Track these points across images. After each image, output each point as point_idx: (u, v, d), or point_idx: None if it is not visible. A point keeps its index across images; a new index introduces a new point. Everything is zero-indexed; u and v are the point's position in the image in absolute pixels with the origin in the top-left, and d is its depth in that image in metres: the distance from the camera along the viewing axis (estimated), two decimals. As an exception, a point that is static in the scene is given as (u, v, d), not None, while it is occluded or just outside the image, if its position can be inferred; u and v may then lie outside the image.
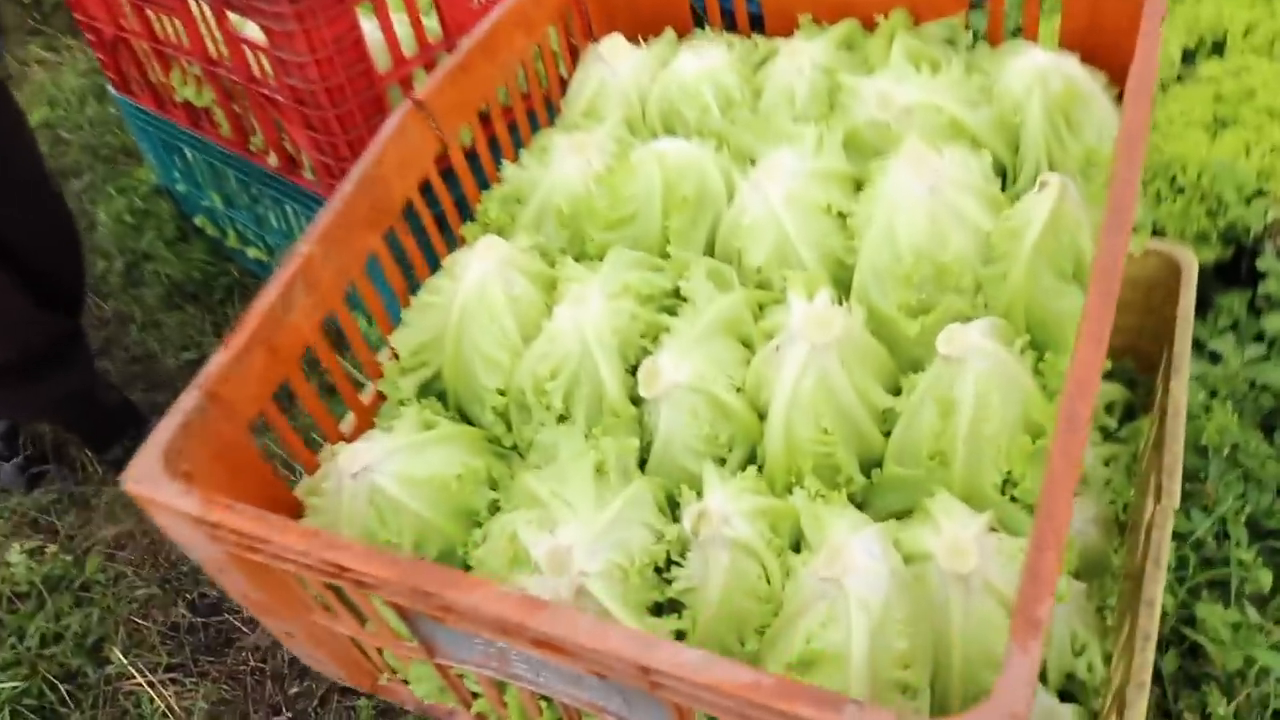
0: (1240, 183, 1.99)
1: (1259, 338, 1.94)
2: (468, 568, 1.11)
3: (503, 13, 1.48)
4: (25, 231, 2.00)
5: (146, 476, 0.98)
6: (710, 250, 1.34)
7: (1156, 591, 1.15)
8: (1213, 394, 1.86)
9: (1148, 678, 1.10)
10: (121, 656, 2.00)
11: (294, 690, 1.94)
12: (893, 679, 0.95)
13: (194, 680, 1.98)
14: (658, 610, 1.06)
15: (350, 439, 1.27)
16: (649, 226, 1.33)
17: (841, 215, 1.27)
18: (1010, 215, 1.22)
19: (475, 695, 1.14)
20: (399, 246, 1.34)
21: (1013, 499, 1.08)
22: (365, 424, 1.32)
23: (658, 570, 1.06)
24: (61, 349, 2.08)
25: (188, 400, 1.07)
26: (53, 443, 2.41)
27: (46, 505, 2.29)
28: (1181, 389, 1.34)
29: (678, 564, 1.06)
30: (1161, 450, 1.28)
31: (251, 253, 2.63)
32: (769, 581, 1.03)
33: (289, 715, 1.91)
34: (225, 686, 1.96)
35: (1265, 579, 1.69)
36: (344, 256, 1.23)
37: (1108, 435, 1.49)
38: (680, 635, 1.03)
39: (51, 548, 2.18)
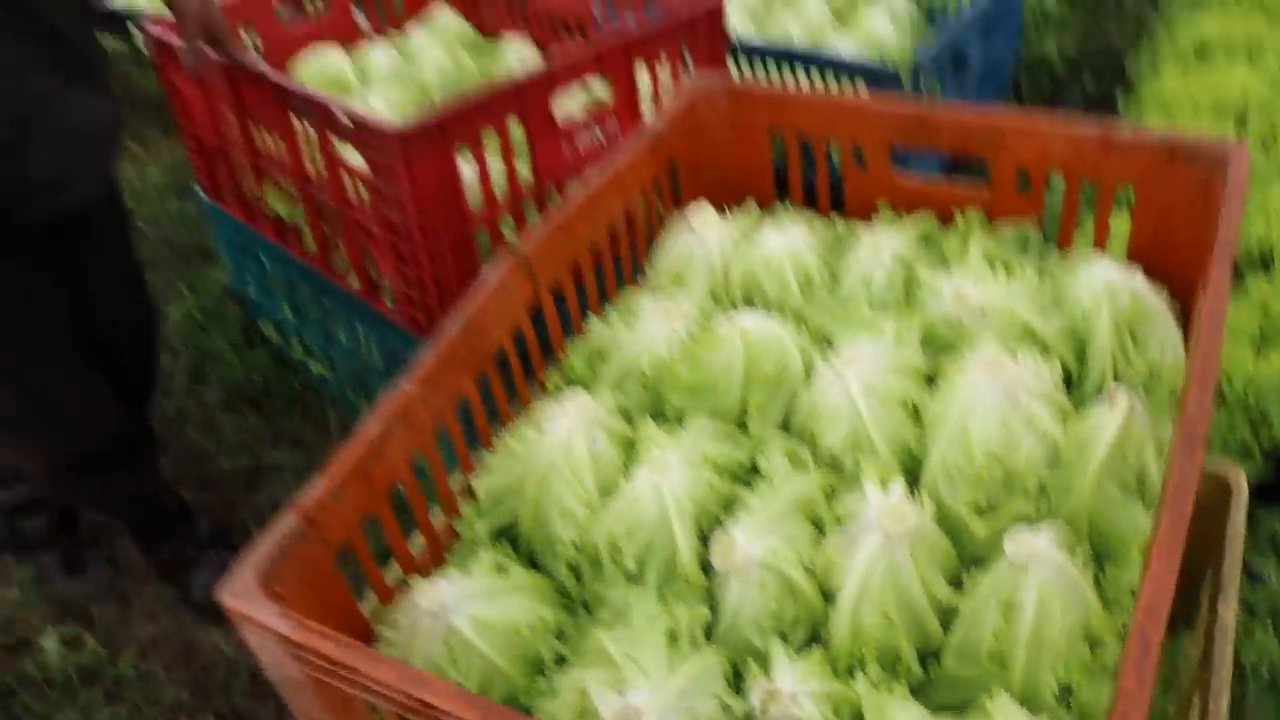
0: (1287, 402, 2.04)
1: (1301, 558, 1.97)
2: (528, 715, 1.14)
3: (603, 177, 1.57)
4: (118, 324, 2.08)
5: (244, 593, 1.03)
6: (783, 423, 1.40)
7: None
8: (1251, 613, 1.88)
9: None
10: (144, 757, 2.01)
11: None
12: None
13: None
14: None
15: (420, 567, 1.31)
16: (728, 397, 1.39)
17: (915, 407, 1.32)
18: (1079, 426, 1.27)
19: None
20: (487, 387, 1.40)
21: (1068, 706, 1.11)
22: (435, 556, 1.36)
23: (719, 742, 1.08)
24: (134, 444, 2.14)
25: (286, 523, 1.11)
26: (99, 531, 2.45)
27: (86, 594, 2.32)
28: (1230, 613, 1.36)
29: (739, 739, 1.08)
30: (1208, 671, 1.30)
31: (314, 366, 2.70)
32: (828, 766, 1.05)
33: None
34: (243, 798, 1.96)
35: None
36: (440, 398, 1.29)
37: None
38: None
39: (88, 639, 2.20)
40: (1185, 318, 1.48)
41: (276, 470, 2.55)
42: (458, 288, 1.97)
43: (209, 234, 3.28)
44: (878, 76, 2.74)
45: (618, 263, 1.68)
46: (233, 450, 2.64)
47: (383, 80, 2.65)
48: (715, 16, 2.16)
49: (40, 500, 2.38)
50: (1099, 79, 3.65)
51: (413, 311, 2.06)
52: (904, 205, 1.73)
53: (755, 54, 2.91)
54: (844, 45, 3.16)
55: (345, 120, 1.92)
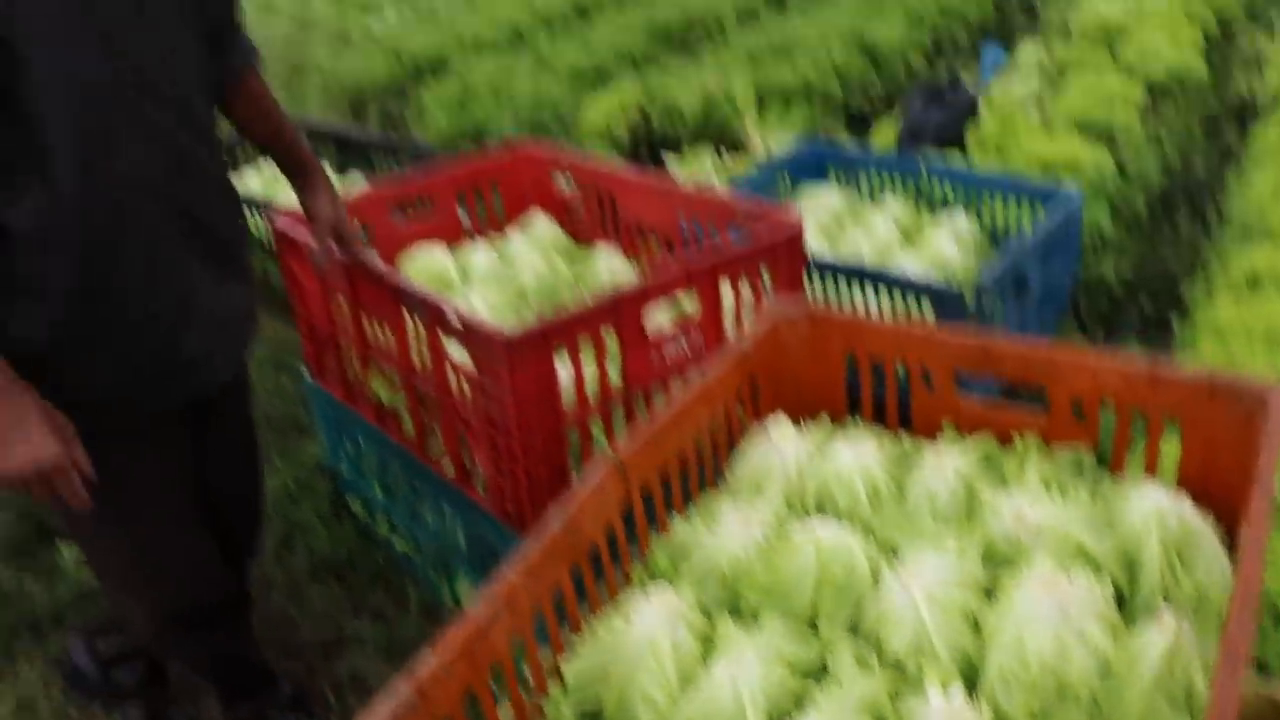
0: (1344, 629, 2.09)
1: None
2: None
3: (693, 391, 1.75)
4: (231, 493, 2.26)
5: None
6: (851, 626, 1.51)
7: None
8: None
9: None
10: None
11: None
12: None
13: None
14: None
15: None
16: (800, 599, 1.51)
17: (975, 618, 1.43)
18: (1129, 642, 1.37)
19: None
20: (579, 577, 1.54)
21: None
22: (522, 735, 1.47)
23: None
24: (234, 604, 2.29)
25: (400, 693, 1.24)
26: (185, 687, 2.57)
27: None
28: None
29: None
30: None
31: (399, 544, 2.86)
32: None
33: None
34: None
35: None
36: (539, 587, 1.43)
37: None
38: None
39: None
40: (1230, 542, 1.58)
41: (358, 642, 2.67)
42: (547, 481, 2.13)
43: (306, 409, 3.50)
44: (942, 297, 2.92)
45: (701, 467, 1.83)
46: (316, 619, 2.77)
47: (482, 280, 2.89)
48: (795, 242, 2.37)
49: (135, 652, 2.52)
50: (1156, 301, 3.81)
51: (503, 501, 2.21)
52: (966, 425, 1.87)
53: (827, 270, 3.12)
54: (911, 264, 3.37)
55: (456, 322, 2.13)
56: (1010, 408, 1.85)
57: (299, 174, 2.26)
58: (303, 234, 2.60)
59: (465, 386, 2.25)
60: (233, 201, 2.07)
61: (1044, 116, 4.77)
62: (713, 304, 2.27)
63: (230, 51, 2.04)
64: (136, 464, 1.98)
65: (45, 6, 1.64)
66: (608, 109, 5.42)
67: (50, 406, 1.74)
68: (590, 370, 2.19)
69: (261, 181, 4.90)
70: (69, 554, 3.05)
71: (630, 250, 3.03)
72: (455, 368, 2.28)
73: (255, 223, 4.24)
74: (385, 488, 2.86)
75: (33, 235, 1.72)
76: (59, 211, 1.72)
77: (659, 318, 2.30)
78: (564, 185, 3.27)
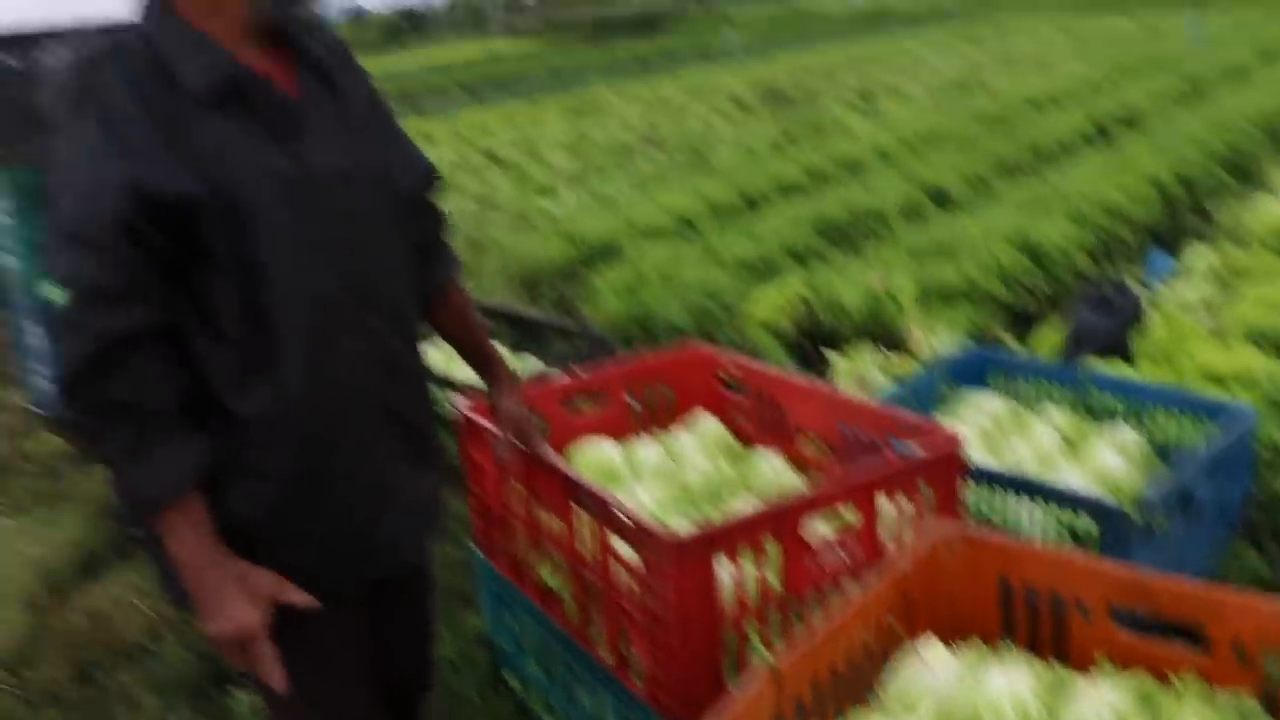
0: None
1: None
2: None
3: (849, 606, 1.82)
4: (406, 669, 2.41)
5: None
6: None
7: None
8: None
9: None
10: None
11: None
12: None
13: None
14: None
15: None
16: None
17: None
18: None
19: None
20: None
21: None
22: None
23: None
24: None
25: None
26: None
27: None
28: None
29: None
30: None
31: (554, 723, 2.95)
32: None
33: None
34: None
35: None
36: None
37: None
38: None
39: None
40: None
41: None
42: (703, 678, 2.21)
43: (471, 581, 3.66)
44: (1106, 513, 2.91)
45: (852, 682, 1.88)
46: (472, 793, 2.86)
47: (649, 476, 3.04)
48: (953, 459, 2.45)
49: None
50: (1338, 523, 3.67)
51: (661, 694, 2.29)
52: (1122, 658, 1.88)
53: (986, 478, 3.15)
54: (1073, 476, 3.36)
55: (625, 520, 2.27)
56: (1169, 644, 1.85)
57: (487, 371, 2.48)
58: (486, 423, 2.81)
59: (629, 580, 2.37)
60: (429, 396, 2.29)
61: (1215, 325, 4.72)
62: (870, 517, 2.35)
63: (437, 264, 2.30)
64: (324, 633, 2.15)
65: (290, 234, 1.90)
66: (773, 302, 5.63)
67: (257, 570, 1.93)
68: (750, 572, 2.28)
69: (442, 356, 5.24)
70: (244, 700, 3.24)
71: (791, 451, 3.14)
72: (621, 562, 2.41)
73: (439, 397, 4.52)
74: (544, 667, 2.97)
75: (260, 424, 1.95)
76: (284, 406, 1.95)
77: (818, 527, 2.39)
78: (730, 386, 3.43)
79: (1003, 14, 33.84)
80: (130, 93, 1.80)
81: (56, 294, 1.76)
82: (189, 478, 1.85)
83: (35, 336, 3.98)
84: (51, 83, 2.68)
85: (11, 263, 4.02)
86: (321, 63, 2.01)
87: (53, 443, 5.49)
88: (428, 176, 2.25)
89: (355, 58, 2.15)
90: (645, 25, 54.99)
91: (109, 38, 1.88)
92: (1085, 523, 2.96)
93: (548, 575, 2.84)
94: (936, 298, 5.57)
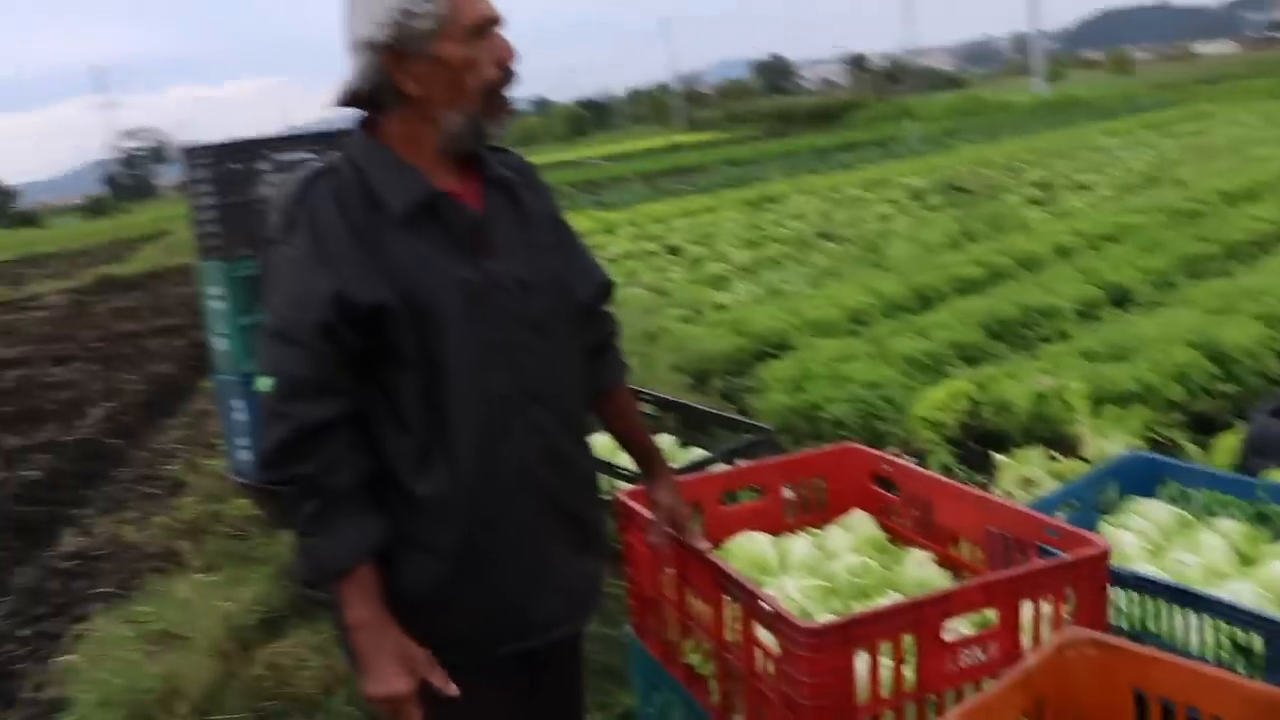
0: None
1: None
2: None
3: (979, 703, 1.87)
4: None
5: None
6: None
7: None
8: None
9: None
10: None
11: None
12: None
13: None
14: None
15: None
16: None
17: None
18: None
19: None
20: None
21: None
22: None
23: None
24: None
25: None
26: None
27: None
28: None
29: None
30: None
31: (698, 803, 3.01)
32: None
33: None
34: None
35: None
36: None
37: None
38: None
39: None
40: None
41: None
42: (838, 766, 2.27)
43: (621, 658, 3.78)
44: (1274, 628, 2.81)
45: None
46: None
47: (798, 568, 3.12)
48: (1099, 566, 2.45)
49: None
50: None
51: (795, 779, 2.36)
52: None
53: (1146, 587, 3.08)
54: (1243, 589, 3.24)
55: (769, 610, 2.37)
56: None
57: (646, 465, 2.65)
58: (644, 510, 2.96)
59: (769, 666, 2.46)
60: (595, 488, 2.46)
61: None
62: (1011, 620, 2.37)
63: (606, 366, 2.48)
64: (476, 697, 2.31)
65: (471, 335, 2.12)
66: (939, 401, 5.63)
67: (413, 645, 2.11)
68: (886, 664, 2.34)
69: (610, 444, 5.43)
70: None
71: (942, 553, 3.17)
72: (762, 647, 2.50)
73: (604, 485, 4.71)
74: (689, 747, 3.05)
75: (433, 504, 2.15)
76: (456, 488, 2.15)
77: (959, 625, 2.43)
78: (885, 486, 3.48)
79: (1201, 103, 32.65)
80: (338, 210, 2.07)
81: (264, 383, 2.03)
82: (364, 551, 2.07)
83: (239, 411, 4.37)
84: (272, 197, 3.02)
85: (223, 344, 4.44)
86: (506, 181, 2.25)
87: (245, 507, 5.95)
88: (603, 287, 2.45)
89: (540, 177, 2.38)
90: (824, 117, 55.43)
91: (323, 162, 2.15)
92: (1255, 640, 2.86)
93: (694, 657, 2.94)
94: (1110, 400, 5.46)
